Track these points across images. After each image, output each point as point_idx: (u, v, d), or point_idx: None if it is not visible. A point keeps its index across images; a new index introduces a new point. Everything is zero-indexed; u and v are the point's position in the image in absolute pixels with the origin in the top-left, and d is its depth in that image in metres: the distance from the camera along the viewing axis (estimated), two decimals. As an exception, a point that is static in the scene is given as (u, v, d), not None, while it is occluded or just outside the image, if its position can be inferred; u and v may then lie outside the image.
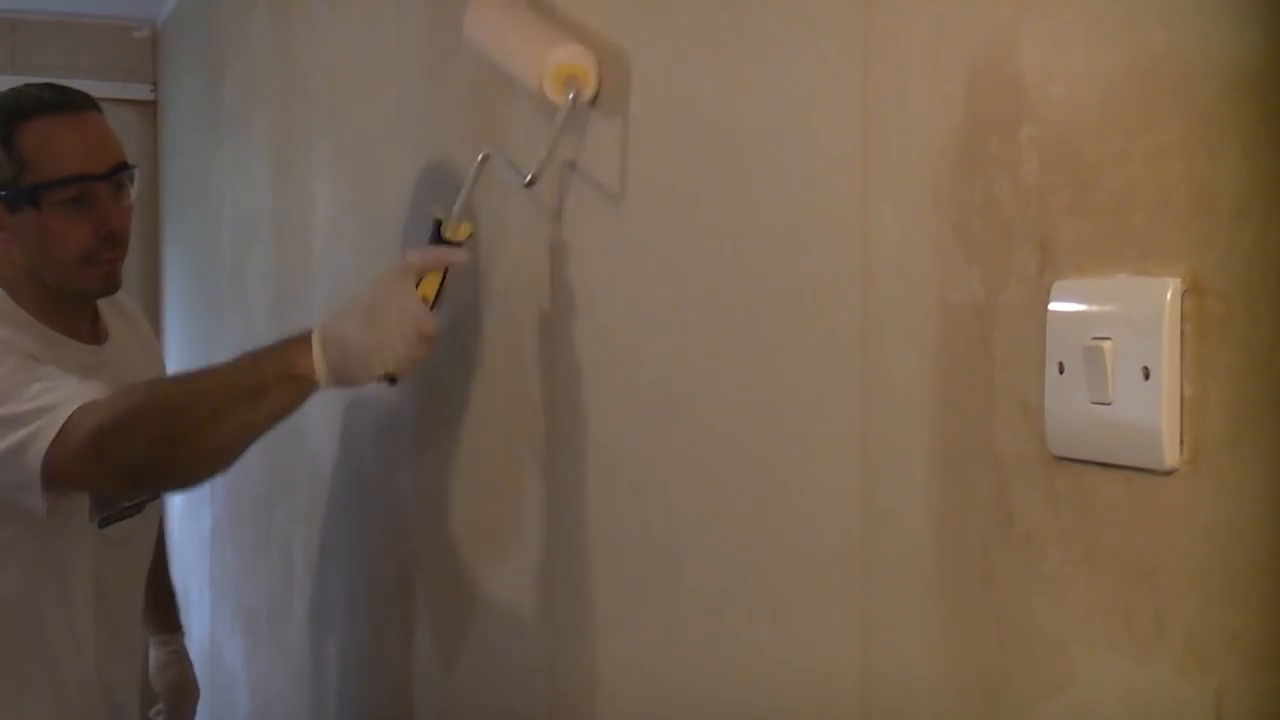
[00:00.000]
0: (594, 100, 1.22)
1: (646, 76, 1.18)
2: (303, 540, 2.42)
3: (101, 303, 1.71)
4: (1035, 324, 0.75)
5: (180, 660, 2.01)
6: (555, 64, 1.19)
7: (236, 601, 3.05)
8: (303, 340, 1.33)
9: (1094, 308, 0.71)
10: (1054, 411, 0.73)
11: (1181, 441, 0.66)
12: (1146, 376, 0.67)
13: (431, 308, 1.31)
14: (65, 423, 1.36)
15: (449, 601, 1.69)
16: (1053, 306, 0.73)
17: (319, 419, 2.28)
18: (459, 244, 1.33)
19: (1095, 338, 0.70)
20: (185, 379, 1.49)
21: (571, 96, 1.20)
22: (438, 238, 1.32)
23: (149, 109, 4.13)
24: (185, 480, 1.48)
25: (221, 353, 3.16)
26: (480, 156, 1.32)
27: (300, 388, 1.34)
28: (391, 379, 1.33)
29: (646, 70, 1.18)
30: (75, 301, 1.65)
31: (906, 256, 0.85)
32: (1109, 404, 0.69)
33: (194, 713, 2.05)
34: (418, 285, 1.31)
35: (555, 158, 1.23)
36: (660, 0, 1.16)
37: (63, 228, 1.56)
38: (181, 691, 2.02)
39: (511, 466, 1.48)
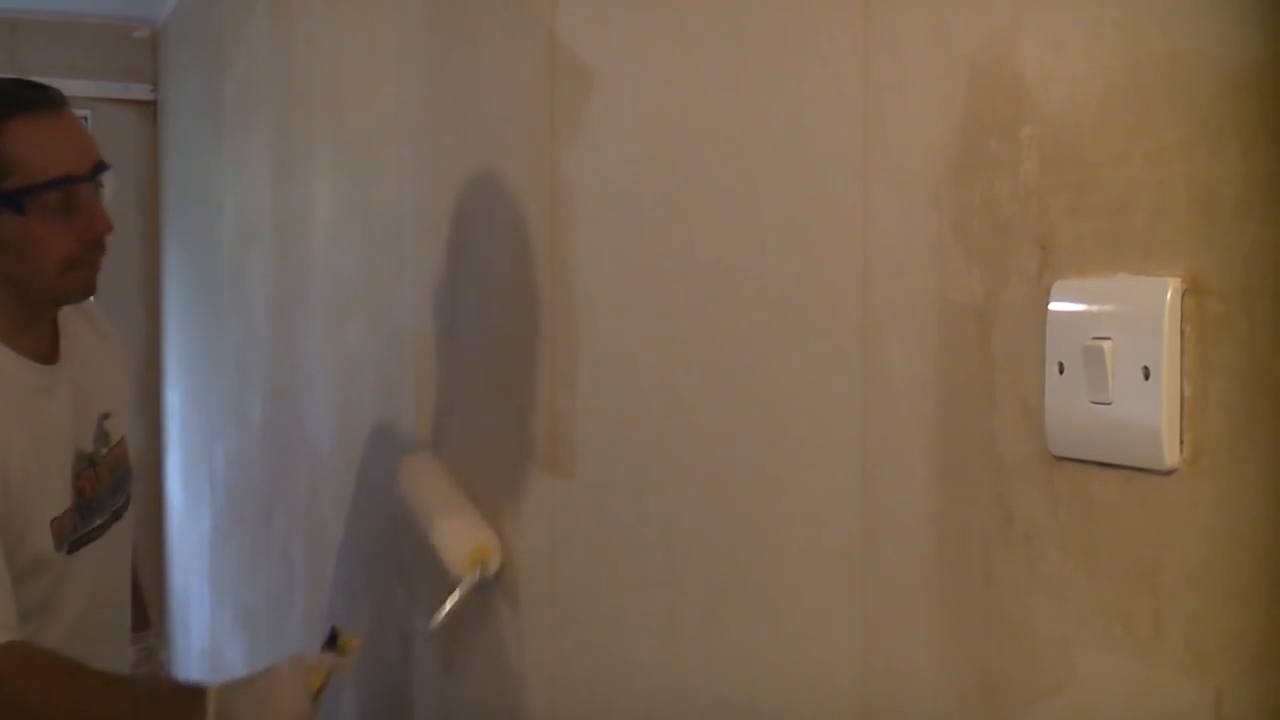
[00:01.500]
0: (497, 574, 1.50)
1: (647, 75, 1.18)
2: (303, 540, 2.42)
3: (65, 311, 1.63)
4: (1035, 324, 0.75)
5: (152, 656, 1.99)
6: (469, 549, 1.49)
7: (236, 601, 3.05)
8: (198, 704, 1.42)
9: (1094, 308, 0.71)
10: (1054, 411, 0.73)
11: (1181, 441, 0.66)
12: (1146, 376, 0.67)
13: (315, 697, 1.49)
14: None
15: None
16: (1053, 306, 0.73)
17: (319, 420, 2.28)
18: (345, 655, 1.53)
19: (1095, 338, 0.70)
20: (78, 696, 1.45)
21: (478, 572, 1.49)
22: (331, 642, 1.53)
23: (149, 109, 4.13)
24: None
25: (222, 353, 3.17)
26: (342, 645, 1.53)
27: None
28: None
29: (647, 69, 1.18)
30: (43, 313, 1.57)
31: (906, 256, 0.85)
32: (1109, 404, 0.69)
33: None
34: (306, 677, 1.48)
35: (453, 614, 1.50)
36: (661, 0, 1.16)
37: (47, 233, 1.48)
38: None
39: (511, 466, 1.48)
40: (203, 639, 3.43)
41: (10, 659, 1.40)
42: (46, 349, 1.58)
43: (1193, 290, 0.65)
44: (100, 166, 1.54)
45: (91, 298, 1.61)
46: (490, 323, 1.53)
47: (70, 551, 1.56)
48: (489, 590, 1.53)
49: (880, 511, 0.89)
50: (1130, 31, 0.69)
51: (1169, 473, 0.67)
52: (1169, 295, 0.66)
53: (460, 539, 1.51)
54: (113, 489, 1.66)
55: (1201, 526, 0.65)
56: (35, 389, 1.53)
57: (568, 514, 1.35)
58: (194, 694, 1.44)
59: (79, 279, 1.54)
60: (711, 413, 1.08)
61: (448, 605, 1.49)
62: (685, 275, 1.12)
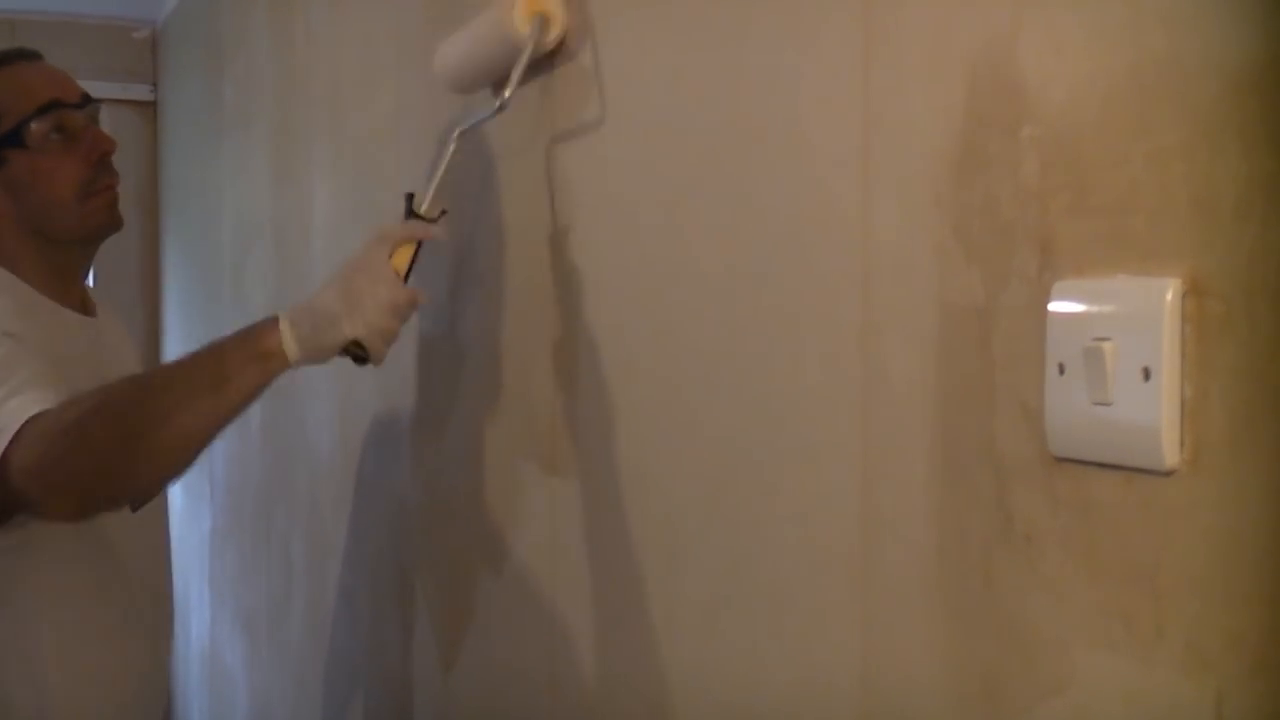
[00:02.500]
0: (560, 43, 1.28)
1: (648, 75, 1.18)
2: (303, 540, 2.42)
3: (84, 287, 1.68)
4: (1035, 325, 0.74)
5: None
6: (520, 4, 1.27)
7: (236, 603, 3.05)
8: (269, 322, 1.31)
9: (1094, 308, 0.71)
10: (1054, 412, 0.73)
11: (1182, 442, 0.66)
12: (1147, 377, 0.67)
13: (405, 279, 1.31)
14: (11, 443, 1.30)
15: (449, 601, 1.69)
16: (1053, 307, 0.73)
17: (319, 419, 2.28)
18: (433, 220, 1.34)
19: (1095, 338, 0.70)
20: (142, 376, 1.44)
21: (538, 27, 1.26)
22: (411, 214, 1.33)
23: (149, 109, 4.13)
24: (140, 485, 1.38)
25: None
26: (455, 135, 1.35)
27: (268, 367, 1.31)
28: (360, 354, 1.31)
29: (648, 69, 1.18)
30: (78, 255, 1.62)
31: (906, 257, 0.85)
32: (1109, 405, 0.69)
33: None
34: (391, 257, 1.31)
35: (522, 82, 1.28)
36: (661, 1, 1.17)
37: (55, 163, 1.53)
38: None
39: (511, 466, 1.48)
40: (203, 639, 3.43)
41: (54, 412, 1.31)
42: (80, 305, 1.63)
43: (1193, 291, 0.65)
44: (88, 98, 1.60)
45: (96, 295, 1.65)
46: (490, 323, 1.53)
47: (133, 510, 1.56)
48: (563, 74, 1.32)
49: (880, 511, 0.89)
50: (1131, 32, 0.69)
51: (1169, 473, 0.67)
52: (1169, 296, 0.66)
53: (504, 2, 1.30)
54: None
55: (1202, 527, 0.65)
56: (76, 337, 1.57)
57: (568, 514, 1.34)
58: (264, 319, 1.32)
59: (99, 204, 1.57)
60: (711, 413, 1.08)
61: (515, 74, 1.26)
62: (685, 275, 1.12)
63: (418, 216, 1.33)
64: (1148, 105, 0.68)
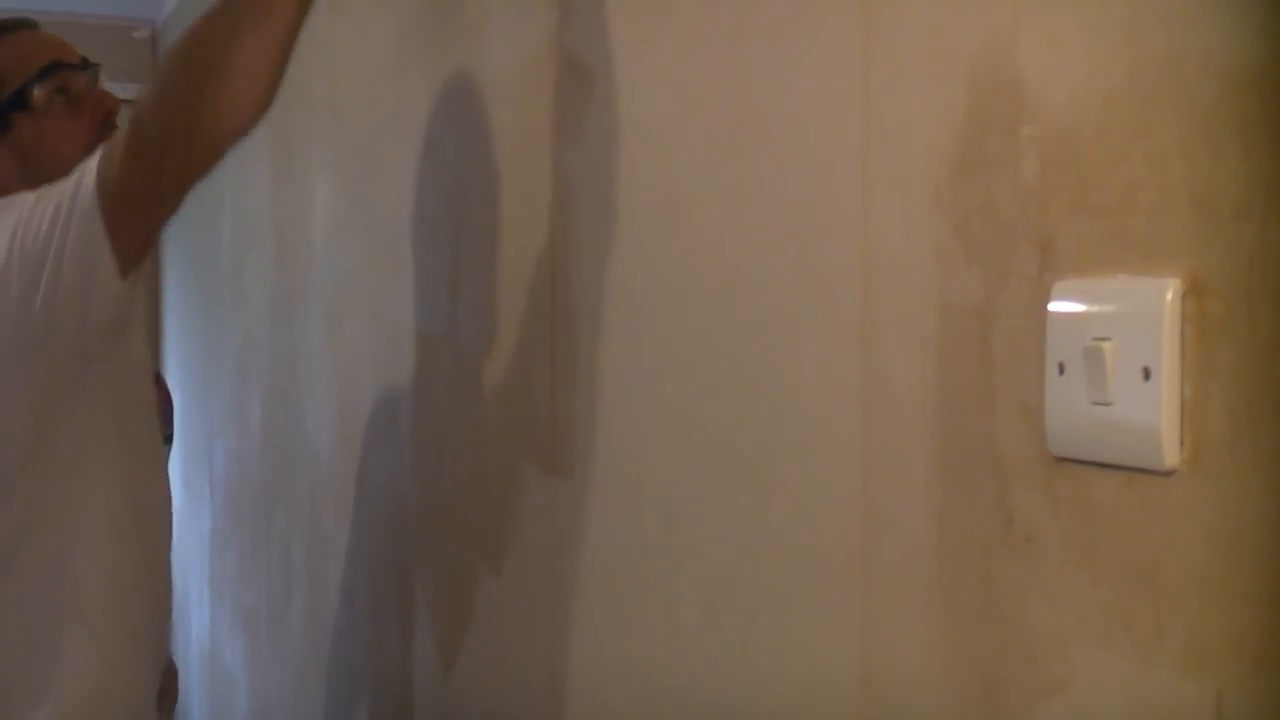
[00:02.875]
0: None
1: (648, 76, 1.18)
2: (303, 540, 2.42)
3: None
4: (1035, 325, 0.74)
5: (170, 665, 2.00)
6: None
7: (236, 602, 3.05)
8: None
9: (1094, 308, 0.71)
10: (1054, 412, 0.73)
11: (1182, 442, 0.66)
12: (1147, 377, 0.67)
13: None
14: (104, 148, 1.37)
15: (449, 601, 1.69)
16: (1053, 307, 0.73)
17: (319, 419, 2.28)
18: None
19: (1095, 338, 0.70)
20: (190, 26, 1.42)
21: None
22: None
23: (149, 109, 4.12)
24: (233, 119, 1.42)
25: (222, 353, 3.17)
26: None
27: None
28: None
29: (648, 70, 1.18)
30: None
31: (906, 257, 0.85)
32: (1109, 404, 0.69)
33: (178, 688, 2.04)
34: None
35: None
36: (661, 1, 1.17)
37: (60, 125, 1.56)
38: (166, 671, 2.01)
39: (511, 466, 1.48)
40: (203, 639, 3.43)
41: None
42: None
43: (1193, 291, 0.65)
44: (88, 61, 1.60)
45: None
46: (490, 323, 1.53)
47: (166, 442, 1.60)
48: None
49: (880, 511, 0.89)
50: (1131, 32, 0.69)
51: (1169, 473, 0.67)
52: (1169, 296, 0.66)
53: None
54: (164, 415, 1.72)
55: (1202, 527, 0.65)
56: None
57: (568, 514, 1.34)
58: None
59: None
60: (711, 413, 1.08)
61: None
62: (685, 275, 1.12)
63: None
64: (1147, 105, 0.68)
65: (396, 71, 1.85)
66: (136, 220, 1.40)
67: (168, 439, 1.73)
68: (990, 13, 0.78)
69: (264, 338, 2.71)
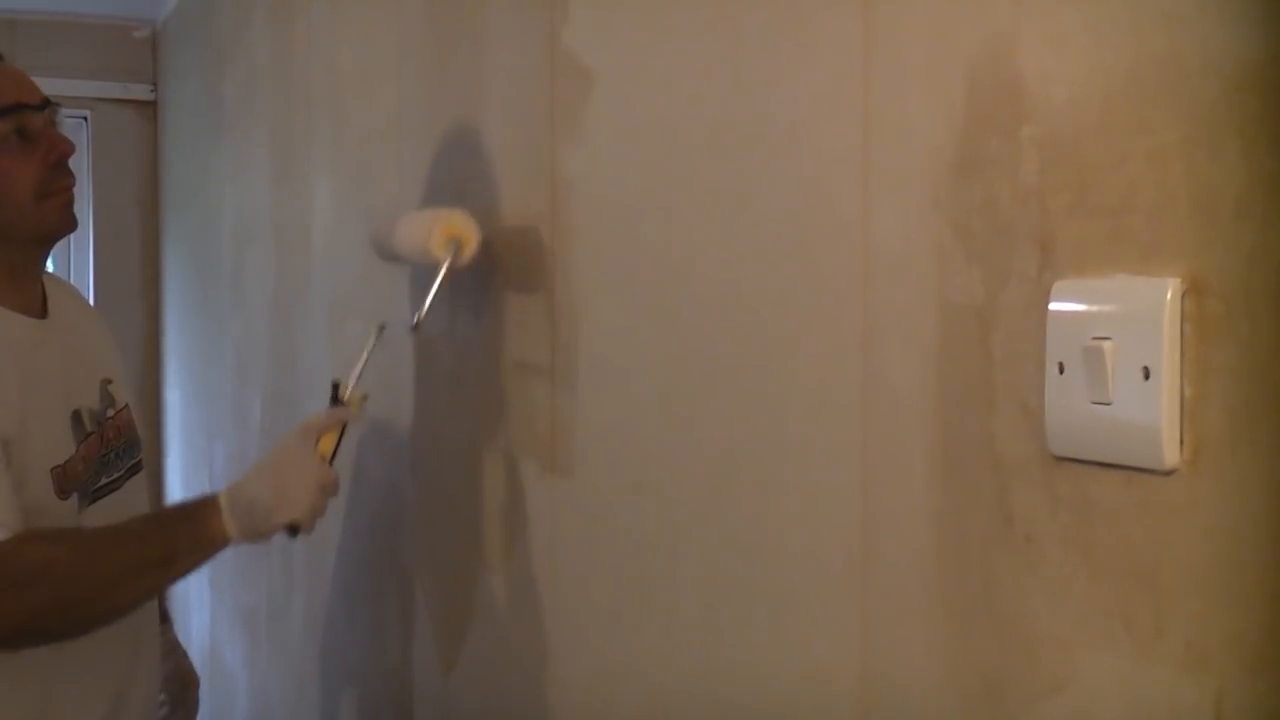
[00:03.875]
0: (471, 261, 1.42)
1: (647, 76, 1.18)
2: (303, 540, 2.41)
3: (47, 281, 1.67)
4: (1035, 324, 0.75)
5: (176, 648, 1.99)
6: (438, 230, 1.41)
7: (236, 602, 3.05)
8: (212, 505, 1.47)
9: (1094, 308, 0.71)
10: (1054, 411, 0.73)
11: (1182, 441, 0.66)
12: (1146, 376, 0.67)
13: (331, 460, 1.48)
14: None
15: (449, 601, 1.69)
16: (1053, 306, 0.73)
17: (319, 419, 2.28)
18: (356, 403, 1.51)
19: (1095, 338, 0.70)
20: (93, 542, 1.48)
21: (452, 252, 1.41)
22: (335, 400, 1.50)
23: (149, 109, 4.13)
24: (69, 636, 1.49)
25: (222, 353, 3.17)
26: (376, 329, 1.53)
27: (210, 549, 1.48)
28: (293, 530, 1.48)
29: (647, 70, 1.18)
30: (30, 256, 1.61)
31: (906, 257, 0.85)
32: (1109, 404, 0.69)
33: (198, 700, 2.03)
34: (319, 442, 1.48)
35: (433, 307, 1.44)
36: (661, 1, 1.17)
37: (13, 164, 1.54)
38: (183, 679, 2.00)
39: (511, 466, 1.48)
40: (203, 639, 3.43)
41: (18, 541, 1.41)
42: (36, 306, 1.62)
43: (1193, 290, 0.65)
44: (48, 102, 1.60)
45: (65, 280, 1.64)
46: (490, 323, 1.53)
47: (91, 502, 1.60)
48: (480, 282, 1.45)
49: (880, 511, 0.89)
50: (1130, 32, 0.69)
51: (1169, 473, 0.67)
52: (1169, 295, 0.66)
53: (426, 223, 1.44)
54: (124, 448, 1.69)
55: (1202, 527, 0.65)
56: (27, 342, 1.55)
57: (568, 514, 1.35)
58: (206, 499, 1.48)
59: (54, 206, 1.58)
60: (711, 413, 1.08)
61: (430, 295, 1.42)
62: (685, 275, 1.12)
63: (340, 403, 1.50)
64: (1147, 105, 0.68)
65: (396, 71, 1.85)
66: None
67: (135, 468, 1.71)
68: (990, 13, 0.78)
69: (264, 338, 2.71)
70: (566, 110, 1.32)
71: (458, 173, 1.62)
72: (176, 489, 4.00)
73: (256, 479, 1.47)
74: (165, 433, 4.14)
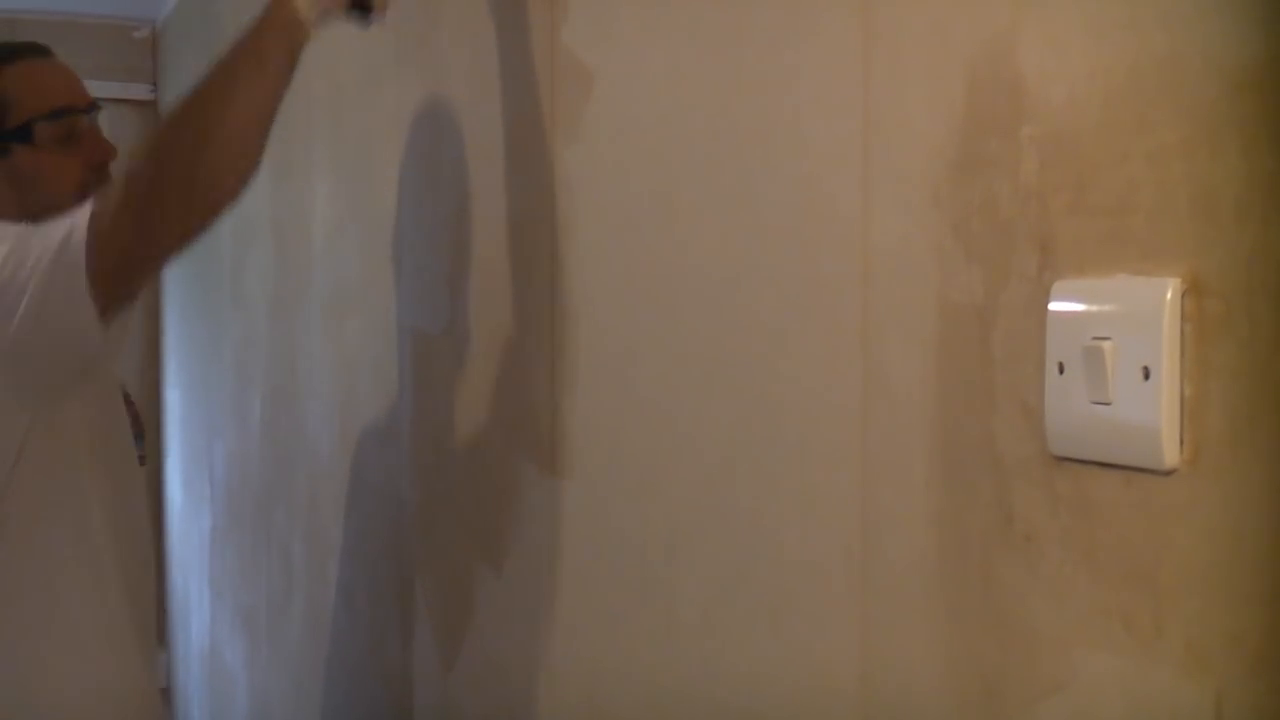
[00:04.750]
0: None
1: (647, 76, 1.18)
2: (303, 540, 2.42)
3: None
4: (1035, 324, 0.74)
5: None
6: None
7: (236, 602, 3.05)
8: None
9: (1094, 308, 0.71)
10: (1054, 411, 0.73)
11: (1181, 441, 0.66)
12: (1146, 376, 0.67)
13: None
14: (94, 206, 1.37)
15: (449, 601, 1.69)
16: (1053, 306, 0.73)
17: (319, 419, 2.28)
18: None
19: (1095, 338, 0.70)
20: (191, 90, 1.43)
21: None
22: None
23: (149, 109, 4.13)
24: (225, 181, 1.42)
25: (222, 353, 3.17)
26: None
27: (294, 36, 1.40)
28: (364, 7, 1.42)
29: (647, 69, 1.18)
30: None
31: (906, 256, 0.85)
32: (1109, 404, 0.69)
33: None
34: None
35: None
36: (660, 0, 1.17)
37: (57, 161, 1.57)
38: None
39: (511, 466, 1.48)
40: (203, 639, 3.43)
41: (96, 198, 1.39)
42: None
43: (1193, 290, 0.65)
44: (95, 104, 1.64)
45: None
46: (490, 323, 1.53)
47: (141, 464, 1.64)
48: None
49: (880, 511, 0.89)
50: (1131, 32, 0.69)
51: (1169, 473, 0.67)
52: (1169, 295, 0.66)
53: None
54: (137, 435, 1.72)
55: (1202, 527, 0.65)
56: None
57: (568, 514, 1.35)
58: (270, 1, 1.39)
59: None
60: (711, 413, 1.08)
61: None
62: (685, 275, 1.12)
63: None
64: (1147, 104, 0.68)
65: (396, 71, 1.85)
66: (122, 276, 1.42)
67: (141, 460, 1.73)
68: (990, 13, 0.78)
69: (264, 338, 2.71)
70: (566, 110, 1.32)
71: (458, 172, 1.62)
72: (176, 489, 4.00)
73: None
74: (165, 433, 4.15)
